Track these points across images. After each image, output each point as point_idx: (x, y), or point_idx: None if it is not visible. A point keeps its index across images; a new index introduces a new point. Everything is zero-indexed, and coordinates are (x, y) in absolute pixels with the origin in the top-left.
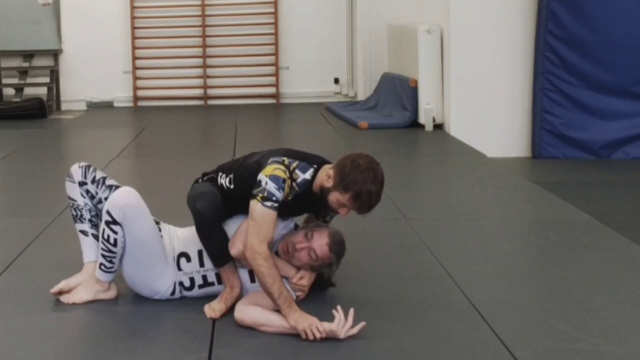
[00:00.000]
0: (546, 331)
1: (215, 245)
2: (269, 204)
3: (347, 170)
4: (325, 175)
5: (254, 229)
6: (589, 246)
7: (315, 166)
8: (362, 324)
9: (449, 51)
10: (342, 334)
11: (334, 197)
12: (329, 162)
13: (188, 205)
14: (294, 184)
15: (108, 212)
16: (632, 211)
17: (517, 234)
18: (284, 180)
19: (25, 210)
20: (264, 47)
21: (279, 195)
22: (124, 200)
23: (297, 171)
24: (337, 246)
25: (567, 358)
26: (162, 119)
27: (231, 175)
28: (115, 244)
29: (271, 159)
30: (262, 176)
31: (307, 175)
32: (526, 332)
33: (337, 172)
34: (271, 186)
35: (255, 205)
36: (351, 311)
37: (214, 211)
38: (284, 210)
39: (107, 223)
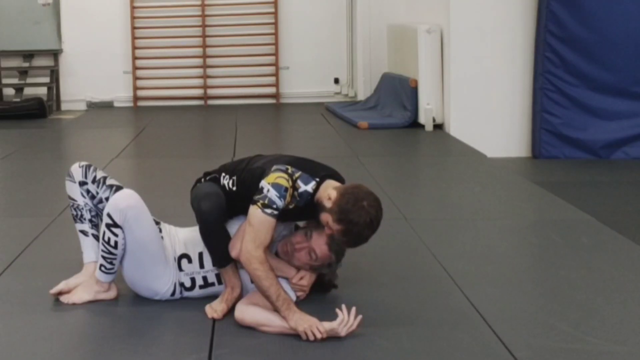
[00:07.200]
0: (546, 331)
1: (218, 246)
2: (269, 211)
3: (348, 207)
4: (327, 195)
5: (251, 234)
6: (589, 246)
7: (318, 179)
8: (359, 318)
9: (449, 51)
10: (343, 333)
11: (326, 217)
12: (333, 174)
13: (192, 206)
14: (295, 193)
15: (109, 215)
16: (632, 211)
17: (517, 234)
18: (286, 189)
19: (25, 210)
20: (264, 47)
21: (279, 203)
22: (125, 203)
23: (299, 181)
24: (337, 246)
25: (567, 358)
26: (162, 119)
27: (234, 177)
28: (116, 247)
29: (275, 167)
30: (264, 183)
31: (309, 187)
32: (526, 332)
33: (337, 201)
34: (273, 194)
35: (254, 211)
36: (353, 310)
37: (219, 212)
38: (285, 216)
39: (108, 226)
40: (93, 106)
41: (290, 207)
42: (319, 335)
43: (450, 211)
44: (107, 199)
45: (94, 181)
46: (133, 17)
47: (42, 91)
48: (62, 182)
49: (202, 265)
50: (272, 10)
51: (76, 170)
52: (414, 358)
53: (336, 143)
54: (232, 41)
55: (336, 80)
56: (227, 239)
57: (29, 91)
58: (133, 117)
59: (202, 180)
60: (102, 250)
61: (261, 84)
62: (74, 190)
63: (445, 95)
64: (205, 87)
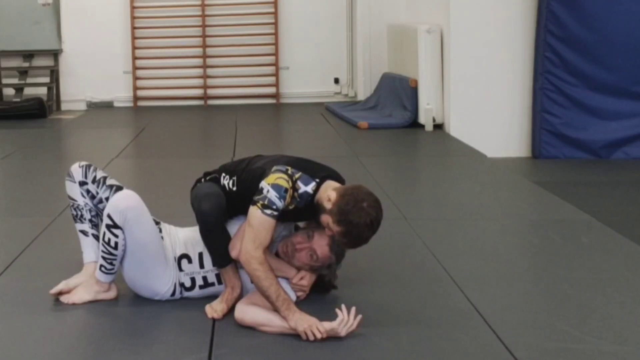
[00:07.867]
0: (546, 331)
1: (219, 247)
2: (268, 212)
3: (348, 208)
4: (327, 196)
5: (250, 235)
6: (589, 246)
7: (317, 180)
8: (359, 317)
9: (449, 51)
10: (343, 332)
11: (326, 219)
12: (333, 174)
13: (192, 206)
14: (295, 194)
15: (109, 216)
16: (632, 211)
17: (517, 234)
18: (285, 190)
19: (25, 210)
20: (264, 47)
21: (279, 204)
22: (125, 204)
23: (299, 182)
24: (337, 246)
25: (567, 358)
26: (162, 119)
27: (234, 178)
28: (116, 247)
29: (275, 167)
30: (264, 184)
31: (309, 188)
32: (526, 332)
33: (337, 202)
34: (272, 195)
35: (254, 212)
36: (353, 309)
37: (219, 213)
38: (285, 217)
39: (108, 227)
40: (93, 106)
41: (290, 207)
42: (319, 335)
43: (450, 211)
44: (107, 199)
45: (94, 181)
46: (133, 17)
47: (42, 91)
48: (62, 182)
49: (202, 265)
50: (272, 10)
51: (76, 170)
52: (414, 358)
53: (336, 143)
54: (232, 41)
55: (336, 80)
56: (227, 239)
57: (29, 91)
58: (133, 117)
59: (202, 180)
60: (102, 251)
61: (261, 84)
62: (74, 190)
63: (445, 95)
64: (205, 87)
